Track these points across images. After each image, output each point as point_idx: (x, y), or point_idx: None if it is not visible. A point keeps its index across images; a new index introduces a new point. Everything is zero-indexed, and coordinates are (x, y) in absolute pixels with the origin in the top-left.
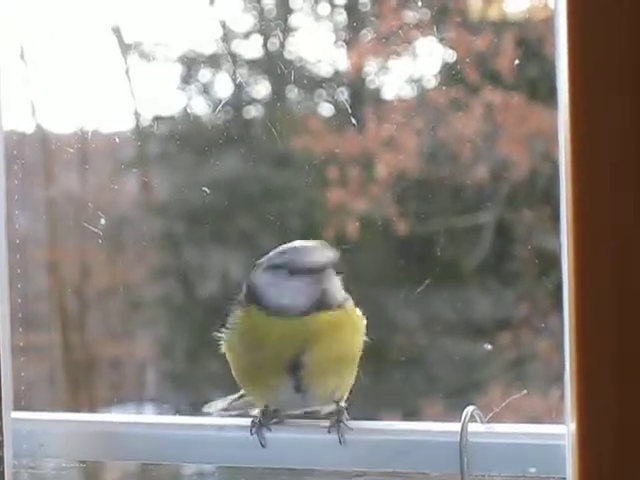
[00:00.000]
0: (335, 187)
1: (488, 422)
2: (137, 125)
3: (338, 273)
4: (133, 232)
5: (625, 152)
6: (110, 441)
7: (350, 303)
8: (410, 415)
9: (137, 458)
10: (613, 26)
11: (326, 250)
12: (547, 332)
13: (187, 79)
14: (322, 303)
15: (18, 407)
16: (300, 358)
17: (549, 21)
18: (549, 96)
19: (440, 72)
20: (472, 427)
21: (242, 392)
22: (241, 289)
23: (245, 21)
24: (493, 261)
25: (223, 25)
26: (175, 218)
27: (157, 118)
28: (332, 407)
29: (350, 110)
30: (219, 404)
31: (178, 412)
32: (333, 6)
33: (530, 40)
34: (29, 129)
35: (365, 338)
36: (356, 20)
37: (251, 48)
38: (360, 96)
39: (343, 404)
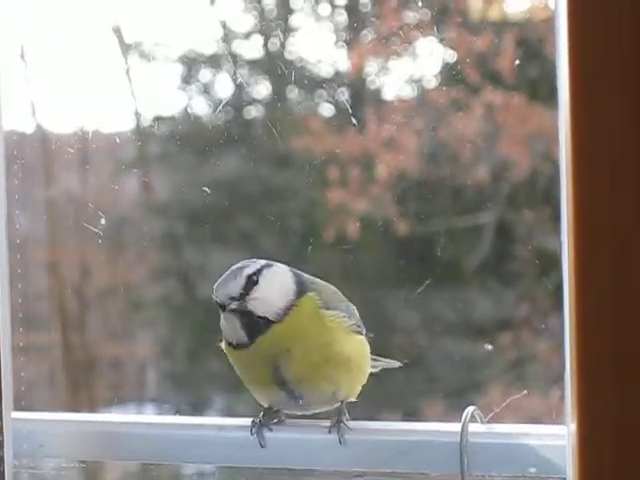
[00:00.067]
0: (335, 187)
1: (488, 422)
2: (137, 125)
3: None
4: (133, 232)
5: (625, 152)
6: (110, 441)
7: (308, 297)
8: (410, 415)
9: (137, 458)
10: (613, 26)
11: (239, 275)
12: (547, 332)
13: (187, 79)
14: (257, 327)
15: (18, 407)
16: (280, 374)
17: (549, 21)
18: (549, 96)
19: (440, 72)
20: (472, 427)
21: None
22: None
23: (245, 21)
24: (493, 261)
25: (223, 25)
26: (175, 218)
27: (157, 118)
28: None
29: (350, 110)
30: None
31: (178, 412)
32: (333, 6)
33: (530, 40)
34: (29, 129)
35: (358, 328)
36: (356, 20)
37: (252, 48)
38: (360, 96)
39: (344, 404)
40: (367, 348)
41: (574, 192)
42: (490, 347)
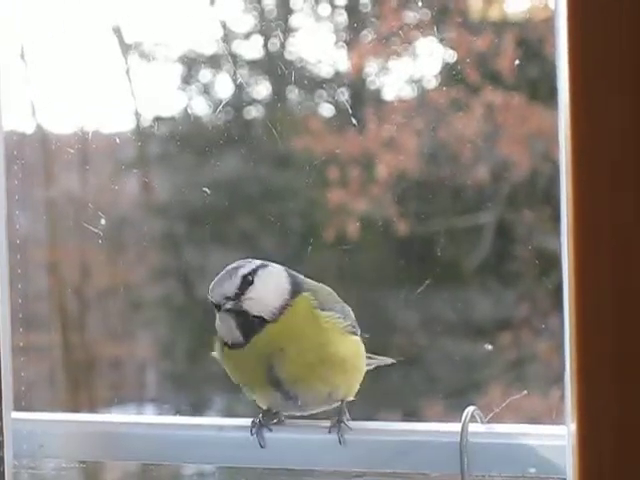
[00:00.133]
0: (335, 187)
1: (488, 422)
2: (137, 125)
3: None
4: (133, 232)
5: (625, 152)
6: (110, 441)
7: (303, 297)
8: (410, 415)
9: (137, 458)
10: (613, 26)
11: (234, 275)
12: (547, 332)
13: (187, 79)
14: (252, 327)
15: (18, 407)
16: (274, 374)
17: (549, 21)
18: (549, 96)
19: (440, 72)
20: (472, 427)
21: None
22: None
23: (245, 21)
24: (493, 261)
25: (223, 25)
26: (175, 218)
27: (157, 118)
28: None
29: (350, 110)
30: None
31: (178, 412)
32: (333, 7)
33: (530, 40)
34: (29, 129)
35: (353, 329)
36: (356, 21)
37: (251, 48)
38: (360, 97)
39: (344, 404)
40: (362, 349)
41: (574, 192)
42: (490, 347)
